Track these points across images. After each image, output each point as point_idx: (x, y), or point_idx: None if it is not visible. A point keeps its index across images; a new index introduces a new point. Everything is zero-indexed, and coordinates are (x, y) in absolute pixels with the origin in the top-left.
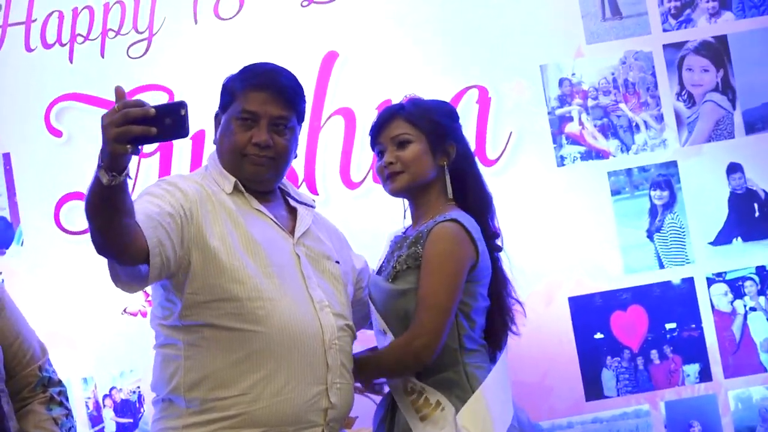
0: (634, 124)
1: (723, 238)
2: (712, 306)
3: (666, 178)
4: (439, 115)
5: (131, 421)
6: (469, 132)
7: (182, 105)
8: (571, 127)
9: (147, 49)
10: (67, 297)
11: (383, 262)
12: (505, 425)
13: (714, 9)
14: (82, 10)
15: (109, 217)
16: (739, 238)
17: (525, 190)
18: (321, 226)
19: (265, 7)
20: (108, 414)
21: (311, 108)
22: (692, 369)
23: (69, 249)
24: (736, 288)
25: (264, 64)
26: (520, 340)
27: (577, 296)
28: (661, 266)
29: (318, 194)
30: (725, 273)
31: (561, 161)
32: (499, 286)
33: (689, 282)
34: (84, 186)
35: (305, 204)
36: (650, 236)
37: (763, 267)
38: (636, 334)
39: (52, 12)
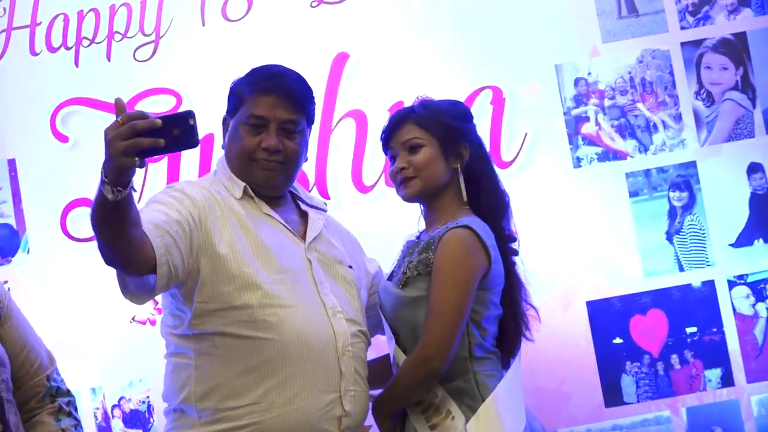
0: (651, 123)
1: (744, 240)
2: (734, 309)
3: (685, 179)
4: (450, 117)
5: (141, 431)
6: (483, 134)
7: (190, 114)
8: (588, 128)
9: (154, 52)
10: (75, 305)
11: (395, 267)
12: None
13: (732, 6)
14: (88, 12)
15: (115, 230)
16: (761, 240)
17: (541, 193)
18: (333, 230)
19: (274, 8)
20: (117, 425)
21: (322, 111)
22: (714, 374)
23: (76, 256)
24: (758, 290)
25: (272, 67)
26: (538, 345)
27: (596, 300)
28: (681, 269)
29: (329, 198)
30: (747, 275)
31: (577, 162)
32: (513, 291)
33: (710, 285)
34: (91, 192)
35: (316, 208)
36: (669, 238)
37: None
38: (656, 339)
39: (57, 15)
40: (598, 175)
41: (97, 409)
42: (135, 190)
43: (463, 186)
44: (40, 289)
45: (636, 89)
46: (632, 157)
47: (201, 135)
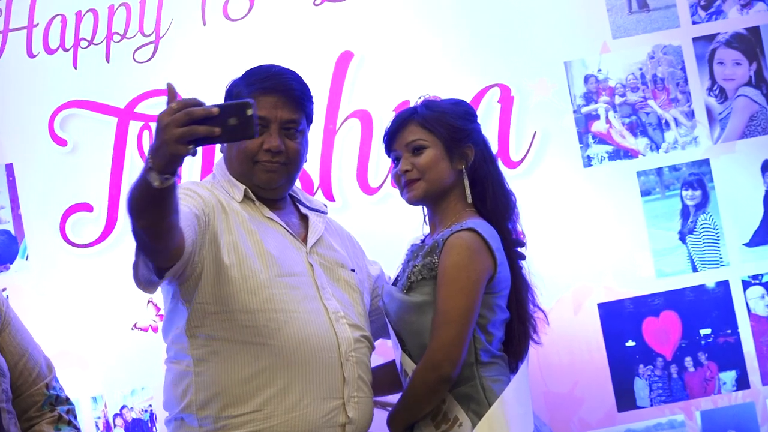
0: (663, 121)
1: (759, 239)
2: (749, 310)
3: (698, 177)
4: (454, 118)
5: None
6: (491, 133)
7: (248, 104)
8: (598, 126)
9: (154, 53)
10: (75, 312)
11: (399, 272)
12: None
13: None
14: (86, 13)
15: (156, 217)
16: None
17: (550, 193)
18: (333, 233)
19: (277, 7)
20: None
21: (326, 111)
22: (729, 376)
23: (76, 263)
24: None
25: (269, 67)
26: (548, 349)
27: (607, 302)
28: (695, 269)
29: (334, 200)
30: (762, 275)
31: (588, 161)
32: (520, 294)
33: (724, 285)
34: (90, 196)
35: (317, 210)
36: (682, 238)
37: None
38: (669, 341)
39: (55, 16)
40: (609, 174)
41: (99, 418)
42: (180, 177)
43: (467, 187)
44: (39, 296)
45: (647, 86)
46: (644, 155)
47: None
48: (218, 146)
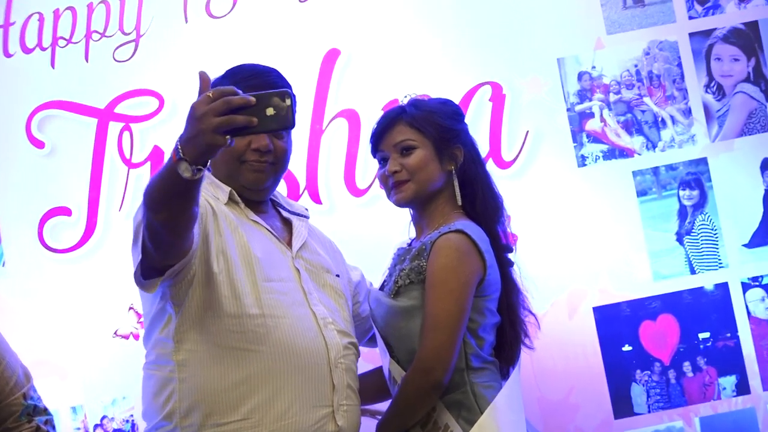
0: (659, 119)
1: (758, 240)
2: (749, 313)
3: (696, 177)
4: (443, 117)
5: None
6: (482, 132)
7: (287, 94)
8: (592, 124)
9: (134, 52)
10: (53, 320)
11: (386, 276)
12: None
13: None
14: (64, 11)
15: (180, 209)
16: None
17: (544, 193)
18: (315, 237)
19: (261, 3)
20: None
21: (312, 111)
22: (728, 381)
23: (54, 269)
24: None
25: (252, 66)
26: (542, 354)
27: (603, 306)
28: (693, 271)
29: (321, 203)
30: (761, 277)
31: (582, 161)
32: (510, 298)
33: (723, 288)
34: (69, 200)
35: (298, 214)
36: (680, 239)
37: None
38: (667, 346)
39: (32, 14)
40: (603, 173)
41: (78, 429)
42: (210, 170)
43: (457, 189)
44: (16, 304)
45: (643, 83)
46: (639, 154)
47: None
48: None
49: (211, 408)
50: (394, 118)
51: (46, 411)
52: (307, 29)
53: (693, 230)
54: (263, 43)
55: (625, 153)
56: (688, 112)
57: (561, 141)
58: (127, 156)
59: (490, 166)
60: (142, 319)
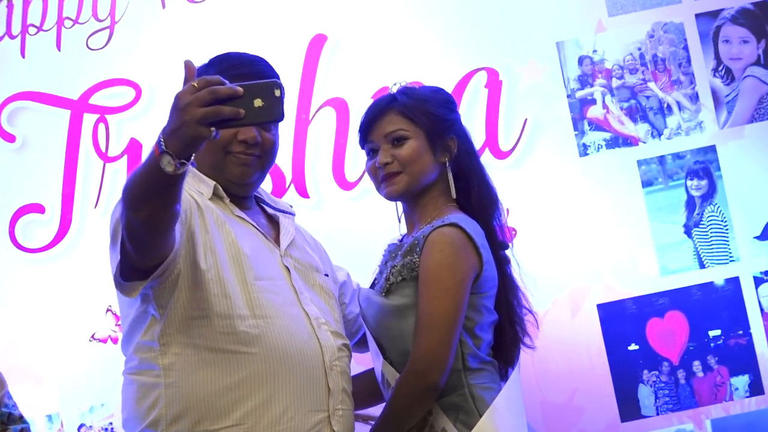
0: (665, 105)
1: None
2: (761, 309)
3: (704, 166)
4: (435, 106)
5: None
6: (478, 121)
7: (276, 84)
8: (594, 112)
9: (109, 39)
10: (27, 323)
11: (377, 274)
12: None
13: None
14: None
15: (161, 207)
16: None
17: (543, 185)
18: (301, 235)
19: None
20: None
21: (298, 100)
22: (741, 381)
23: (27, 269)
24: None
25: (239, 54)
26: (544, 355)
27: (607, 303)
28: (702, 266)
29: (309, 197)
30: None
31: (584, 150)
32: (508, 295)
33: (734, 282)
34: (42, 197)
35: (284, 212)
36: (688, 232)
37: None
38: (675, 344)
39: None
40: (606, 163)
41: None
42: (194, 165)
43: (452, 182)
44: None
45: (647, 67)
46: (644, 142)
47: None
48: None
49: (201, 414)
50: (384, 107)
51: (21, 419)
52: (291, 13)
53: (702, 222)
54: (245, 29)
55: (629, 141)
56: (695, 98)
57: (561, 129)
58: (103, 149)
59: (487, 157)
60: (120, 322)
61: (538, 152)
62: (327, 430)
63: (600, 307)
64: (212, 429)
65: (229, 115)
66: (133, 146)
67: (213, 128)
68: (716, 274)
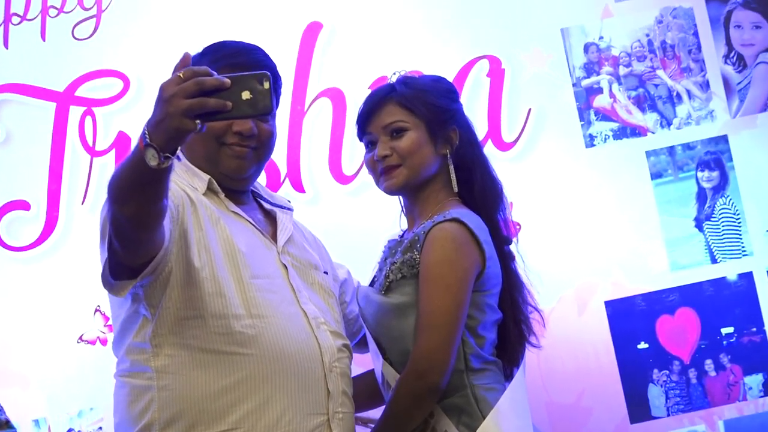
0: (674, 93)
1: None
2: None
3: (715, 156)
4: (436, 96)
5: None
6: (480, 111)
7: (265, 76)
8: (601, 101)
9: (96, 29)
10: (12, 325)
11: (376, 271)
12: None
13: None
14: None
15: (147, 203)
16: None
17: (548, 177)
18: (299, 232)
19: None
20: None
21: (292, 90)
22: (755, 380)
23: (12, 268)
24: None
25: (235, 43)
26: (550, 354)
27: (615, 300)
28: (714, 260)
29: (304, 191)
30: None
31: (590, 141)
32: (513, 293)
33: (747, 277)
34: (27, 193)
35: (281, 207)
36: (699, 226)
37: None
38: (687, 342)
39: None
40: (614, 155)
41: None
42: (179, 159)
43: (453, 175)
44: None
45: (655, 54)
46: (653, 132)
47: None
48: None
49: (195, 417)
50: (382, 97)
51: (8, 423)
52: (284, 0)
53: (713, 215)
54: (237, 17)
55: (637, 131)
56: (705, 86)
57: (566, 119)
58: (90, 143)
59: (489, 148)
60: (109, 323)
61: (542, 144)
62: None
63: (608, 304)
64: None
65: (215, 107)
66: (122, 140)
67: (198, 121)
68: (729, 269)
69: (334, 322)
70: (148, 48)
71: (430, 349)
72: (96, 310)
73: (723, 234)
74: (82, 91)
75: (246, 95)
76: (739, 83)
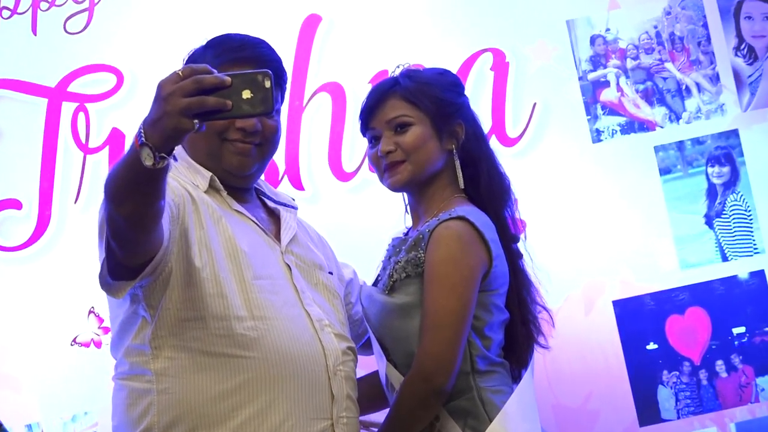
0: (684, 87)
1: None
2: None
3: (726, 151)
4: (441, 89)
5: None
6: (484, 105)
7: (266, 75)
8: (608, 95)
9: (88, 22)
10: (4, 327)
11: (380, 270)
12: None
13: None
14: None
15: (144, 202)
16: None
17: (554, 173)
18: (304, 231)
19: None
20: None
21: (291, 85)
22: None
23: (4, 268)
24: None
25: (240, 36)
26: (557, 355)
27: (624, 299)
28: (725, 258)
29: (303, 189)
30: None
31: (597, 136)
32: (521, 292)
33: (759, 276)
34: (18, 191)
35: (285, 205)
36: (709, 223)
37: None
38: (697, 343)
39: None
40: (621, 150)
41: None
42: (176, 159)
43: (459, 170)
44: None
45: (664, 46)
46: (662, 127)
47: None
48: None
49: (196, 422)
50: (386, 91)
51: (1, 428)
52: None
53: (724, 212)
54: (233, 10)
55: (645, 126)
56: (715, 79)
57: (572, 114)
58: (83, 140)
59: (493, 144)
60: (104, 324)
61: (548, 139)
62: None
63: (616, 303)
64: None
65: (215, 106)
66: (115, 136)
67: (197, 120)
68: (740, 267)
69: (338, 324)
70: (143, 42)
71: (435, 351)
72: (90, 312)
73: (734, 231)
74: (74, 87)
75: (247, 94)
76: (750, 76)
